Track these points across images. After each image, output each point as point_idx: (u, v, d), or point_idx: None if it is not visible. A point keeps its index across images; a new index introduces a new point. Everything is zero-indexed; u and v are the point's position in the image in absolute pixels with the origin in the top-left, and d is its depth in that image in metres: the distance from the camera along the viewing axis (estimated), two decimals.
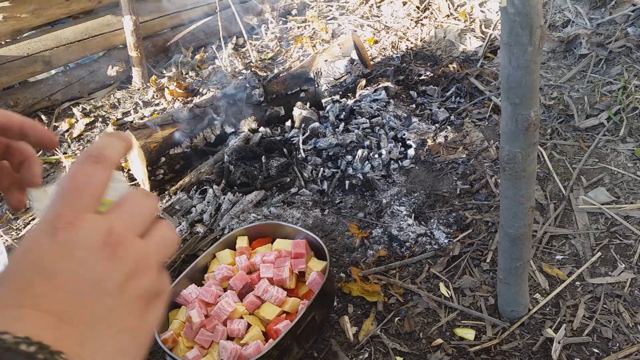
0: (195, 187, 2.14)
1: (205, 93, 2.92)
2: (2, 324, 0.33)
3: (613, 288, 1.52)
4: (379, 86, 2.58)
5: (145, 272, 0.40)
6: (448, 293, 1.59)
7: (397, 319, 1.53)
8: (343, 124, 2.28)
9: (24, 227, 2.16)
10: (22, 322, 0.33)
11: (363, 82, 2.59)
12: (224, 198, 2.03)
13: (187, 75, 3.14)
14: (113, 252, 0.38)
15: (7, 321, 0.33)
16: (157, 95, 2.98)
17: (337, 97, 2.50)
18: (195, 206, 2.05)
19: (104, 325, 0.37)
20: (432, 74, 2.70)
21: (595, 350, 1.38)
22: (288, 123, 2.41)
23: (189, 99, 2.90)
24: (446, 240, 1.77)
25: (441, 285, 1.62)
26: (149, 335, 0.41)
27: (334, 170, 2.10)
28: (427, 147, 2.20)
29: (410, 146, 2.21)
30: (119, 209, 0.41)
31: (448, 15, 3.18)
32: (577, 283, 1.56)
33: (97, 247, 0.38)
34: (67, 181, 0.40)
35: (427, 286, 1.63)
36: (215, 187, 2.09)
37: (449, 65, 2.73)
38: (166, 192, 2.18)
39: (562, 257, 1.65)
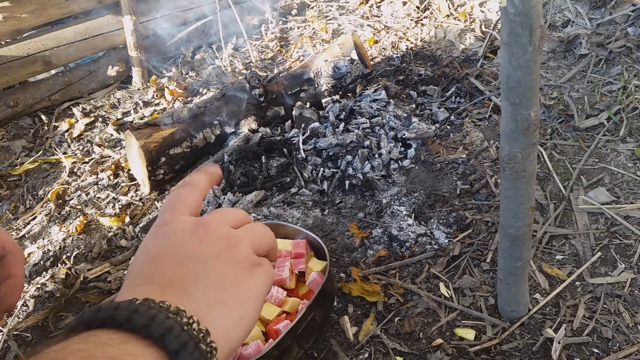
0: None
1: (205, 93, 2.92)
2: (127, 296, 0.40)
3: (613, 288, 1.52)
4: (379, 86, 2.58)
5: (236, 246, 0.48)
6: (448, 293, 1.59)
7: (397, 319, 1.53)
8: (343, 124, 2.28)
9: (24, 227, 2.16)
10: (138, 295, 0.41)
11: (363, 82, 2.59)
12: (224, 198, 2.03)
13: (187, 75, 3.14)
14: (205, 232, 0.47)
15: (126, 297, 0.41)
16: (157, 95, 2.98)
17: (337, 97, 2.50)
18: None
19: (206, 283, 0.44)
20: (432, 74, 2.70)
21: (595, 350, 1.38)
22: (288, 123, 2.41)
23: (189, 99, 2.90)
24: (446, 240, 1.77)
25: (441, 285, 1.62)
26: (256, 295, 0.47)
27: (334, 170, 2.10)
28: (427, 147, 2.20)
29: (410, 146, 2.21)
30: (213, 211, 0.52)
31: (448, 15, 3.18)
32: (577, 283, 1.56)
33: (190, 230, 0.47)
34: (165, 202, 0.52)
35: (427, 286, 1.63)
36: (215, 187, 2.09)
37: (449, 65, 2.73)
38: (166, 192, 2.18)
39: (562, 257, 1.65)
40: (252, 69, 3.00)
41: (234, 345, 0.44)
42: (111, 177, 2.35)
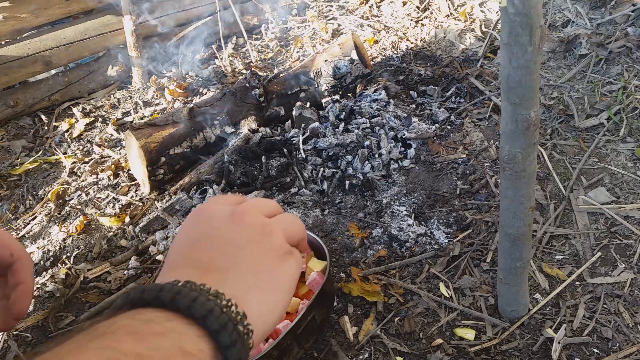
0: (195, 187, 2.14)
1: (205, 93, 2.92)
2: (167, 280, 0.43)
3: (613, 288, 1.52)
4: (379, 86, 2.58)
5: (270, 234, 0.50)
6: (448, 293, 1.59)
7: (397, 319, 1.53)
8: (343, 124, 2.28)
9: (24, 227, 2.16)
10: (179, 277, 0.43)
11: (363, 82, 2.59)
12: None
13: (187, 75, 3.14)
14: (241, 219, 0.50)
15: (167, 279, 0.43)
16: (157, 95, 2.98)
17: (337, 97, 2.50)
18: (195, 206, 2.05)
19: (242, 268, 0.47)
20: (432, 74, 2.70)
21: (595, 350, 1.38)
22: (288, 123, 2.41)
23: (189, 99, 2.90)
24: (446, 240, 1.77)
25: (441, 285, 1.61)
26: (288, 281, 0.50)
27: (334, 170, 2.10)
28: (427, 147, 2.20)
29: (410, 146, 2.21)
30: (245, 202, 0.54)
31: (448, 15, 3.18)
32: (577, 283, 1.56)
33: (227, 217, 0.50)
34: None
35: (427, 286, 1.63)
36: (215, 187, 2.09)
37: (449, 65, 2.73)
38: (166, 192, 2.18)
39: (562, 257, 1.65)
40: (252, 69, 3.00)
41: (268, 329, 0.47)
42: (111, 177, 2.35)
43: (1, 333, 1.68)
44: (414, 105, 2.50)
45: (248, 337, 0.42)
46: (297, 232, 0.54)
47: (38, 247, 2.03)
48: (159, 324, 0.39)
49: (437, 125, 2.33)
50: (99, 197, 2.26)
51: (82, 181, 2.38)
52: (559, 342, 1.38)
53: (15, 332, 1.68)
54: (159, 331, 0.38)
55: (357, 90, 2.58)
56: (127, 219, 2.10)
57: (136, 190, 2.27)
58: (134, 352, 0.35)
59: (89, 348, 0.35)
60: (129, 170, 2.36)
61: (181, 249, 0.50)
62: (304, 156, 2.17)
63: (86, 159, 2.54)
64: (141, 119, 2.77)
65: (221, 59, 3.22)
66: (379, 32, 3.24)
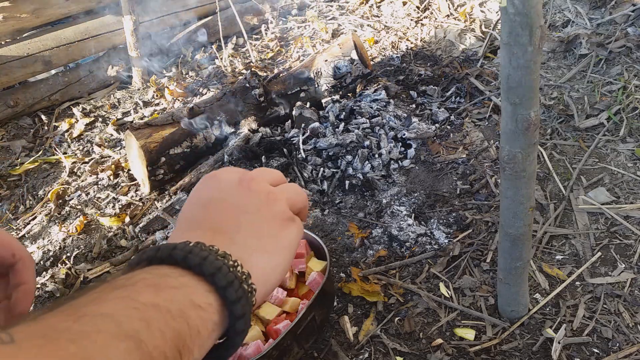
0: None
1: (205, 93, 2.92)
2: (179, 240, 0.46)
3: (613, 288, 1.52)
4: (379, 86, 2.58)
5: (274, 201, 0.53)
6: (448, 293, 1.59)
7: (397, 319, 1.53)
8: (343, 124, 2.28)
9: (24, 227, 2.16)
10: (190, 238, 0.47)
11: (363, 82, 2.59)
12: None
13: (187, 75, 3.14)
14: (248, 186, 0.53)
15: (179, 239, 0.47)
16: (157, 95, 2.98)
17: (337, 97, 2.50)
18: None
19: (248, 232, 0.50)
20: (432, 74, 2.70)
21: (595, 350, 1.38)
22: (288, 123, 2.41)
23: (189, 99, 2.90)
24: (446, 240, 1.77)
25: (441, 285, 1.62)
26: (289, 245, 0.53)
27: (334, 170, 2.10)
28: (427, 147, 2.20)
29: (410, 146, 2.21)
30: (252, 171, 0.57)
31: (448, 15, 3.18)
32: (577, 283, 1.56)
33: (235, 184, 0.53)
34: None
35: (427, 286, 1.63)
36: None
37: (449, 65, 2.73)
38: (166, 192, 2.18)
39: (562, 257, 1.65)
40: (252, 69, 3.00)
41: (269, 289, 0.50)
42: (111, 177, 2.35)
43: None
44: (414, 105, 2.50)
45: (252, 294, 0.46)
46: (299, 200, 0.57)
47: (38, 247, 2.03)
48: (173, 278, 0.43)
49: (437, 125, 2.33)
50: (99, 197, 2.26)
51: (82, 181, 2.38)
52: (559, 342, 1.38)
53: None
54: (173, 285, 0.42)
55: (357, 90, 2.58)
56: (127, 219, 2.10)
57: (136, 190, 2.27)
58: (151, 302, 0.39)
59: (110, 298, 0.39)
60: (129, 170, 2.36)
61: (192, 211, 0.53)
62: (304, 156, 2.17)
63: (86, 159, 2.54)
64: (141, 119, 2.77)
65: (221, 59, 3.22)
66: (379, 32, 3.24)
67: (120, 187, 2.30)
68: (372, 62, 2.83)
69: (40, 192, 2.36)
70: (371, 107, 2.39)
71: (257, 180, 0.54)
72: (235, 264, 0.46)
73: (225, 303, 0.44)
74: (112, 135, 2.70)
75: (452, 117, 2.37)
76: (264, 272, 0.49)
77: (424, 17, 3.24)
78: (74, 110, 2.91)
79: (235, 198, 0.52)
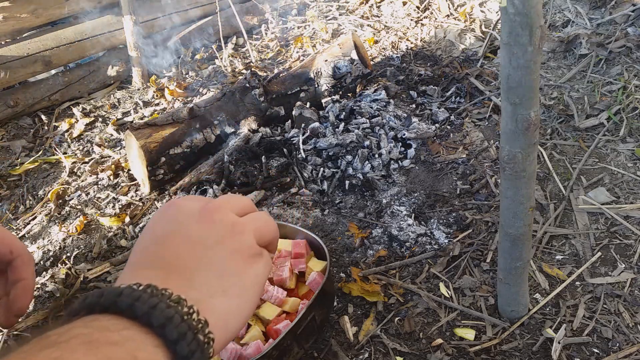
0: (195, 187, 2.14)
1: (205, 93, 2.92)
2: (129, 280, 0.42)
3: (613, 288, 1.52)
4: (379, 86, 2.58)
5: (240, 234, 0.48)
6: (448, 293, 1.59)
7: (397, 319, 1.53)
8: (343, 124, 2.28)
9: (24, 227, 2.16)
10: (141, 279, 0.42)
11: (363, 82, 2.59)
12: None
13: (187, 75, 3.14)
14: (210, 217, 0.47)
15: (130, 279, 0.42)
16: (157, 95, 2.98)
17: (337, 97, 2.50)
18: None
19: (207, 271, 0.45)
20: (432, 74, 2.70)
21: (595, 350, 1.38)
22: (288, 123, 2.41)
23: (189, 99, 2.90)
24: (446, 240, 1.77)
25: (441, 285, 1.62)
26: (255, 285, 0.48)
27: (334, 170, 2.10)
28: (427, 147, 2.20)
29: (410, 146, 2.21)
30: (217, 198, 0.52)
31: (448, 15, 3.18)
32: (577, 283, 1.56)
33: (196, 214, 0.48)
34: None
35: (427, 286, 1.63)
36: (215, 187, 2.09)
37: (449, 65, 2.73)
38: (166, 192, 2.18)
39: (562, 257, 1.65)
40: (252, 69, 3.00)
41: (230, 336, 0.45)
42: (111, 177, 2.35)
43: (1, 333, 1.68)
44: (414, 105, 2.50)
45: (209, 345, 0.40)
46: (268, 232, 0.53)
47: (38, 247, 2.03)
48: (115, 332, 0.37)
49: (437, 125, 2.33)
50: (99, 197, 2.26)
51: (82, 181, 2.38)
52: (559, 342, 1.38)
53: (15, 332, 1.68)
54: (115, 340, 0.36)
55: (357, 90, 2.58)
56: (127, 219, 2.10)
57: (136, 190, 2.27)
58: None
59: (37, 358, 0.33)
60: (129, 170, 2.36)
61: (146, 246, 0.47)
62: (304, 156, 2.17)
63: (86, 159, 2.54)
64: (141, 119, 2.77)
65: (221, 59, 3.22)
66: (379, 32, 3.24)
67: (120, 187, 2.30)
68: (372, 62, 2.83)
69: (40, 192, 2.36)
70: (371, 107, 2.39)
71: (220, 210, 0.49)
72: (191, 310, 0.40)
73: (176, 358, 0.38)
74: (112, 135, 2.70)
75: (452, 117, 2.37)
76: (224, 316, 0.44)
77: (424, 17, 3.24)
78: (74, 110, 2.91)
79: (194, 230, 0.47)
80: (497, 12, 3.01)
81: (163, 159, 2.14)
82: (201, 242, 0.46)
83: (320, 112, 2.41)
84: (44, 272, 1.90)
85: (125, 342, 0.36)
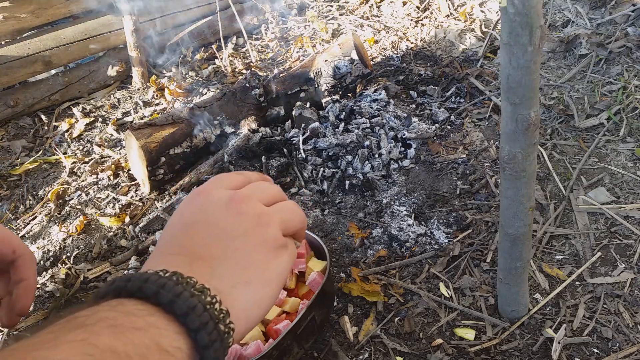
0: (195, 187, 2.14)
1: (205, 93, 2.92)
2: (156, 265, 0.43)
3: (613, 288, 1.52)
4: (379, 86, 2.58)
5: (266, 225, 0.49)
6: (448, 293, 1.59)
7: (397, 319, 1.53)
8: (343, 124, 2.28)
9: (24, 227, 2.16)
10: (168, 265, 0.43)
11: (363, 82, 2.59)
12: None
13: (187, 75, 3.14)
14: (237, 208, 0.48)
15: (157, 264, 0.44)
16: (157, 95, 2.98)
17: (337, 97, 2.50)
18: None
19: (232, 261, 0.46)
20: (432, 74, 2.70)
21: (595, 350, 1.38)
22: (288, 123, 2.41)
23: (189, 99, 2.90)
24: (446, 240, 1.77)
25: (441, 285, 1.62)
26: (278, 277, 0.48)
27: (334, 170, 2.10)
28: (427, 147, 2.20)
29: (410, 146, 2.21)
30: (246, 186, 0.53)
31: (448, 15, 3.18)
32: (577, 283, 1.56)
33: (224, 204, 0.48)
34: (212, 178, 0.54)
35: (427, 286, 1.63)
36: None
37: (449, 65, 2.73)
38: (166, 192, 2.18)
39: (562, 257, 1.65)
40: (252, 69, 3.00)
41: (251, 326, 0.46)
42: (111, 177, 2.35)
43: (2, 332, 1.68)
44: (414, 105, 2.50)
45: (229, 335, 0.41)
46: (295, 223, 0.53)
47: (38, 247, 2.03)
48: (140, 317, 0.38)
49: (437, 125, 2.33)
50: (99, 197, 2.26)
51: (82, 181, 2.38)
52: (559, 342, 1.38)
53: (15, 332, 1.68)
54: (139, 325, 0.37)
55: (357, 90, 2.58)
56: (127, 219, 2.10)
57: (136, 190, 2.27)
58: (110, 347, 0.35)
59: (65, 340, 0.34)
60: (129, 170, 2.36)
61: (174, 232, 0.49)
62: (304, 156, 2.17)
63: (86, 159, 2.54)
64: (141, 119, 2.77)
65: (221, 59, 3.22)
66: (379, 32, 3.24)
67: (120, 187, 2.30)
68: (372, 62, 2.83)
69: (40, 192, 2.36)
70: (371, 107, 2.39)
71: (248, 201, 0.49)
72: (213, 300, 0.41)
73: (197, 347, 0.39)
74: (112, 135, 2.70)
75: (452, 117, 2.37)
76: (246, 307, 0.45)
77: (424, 17, 3.24)
78: (74, 110, 2.91)
79: (222, 221, 0.47)
80: (497, 12, 3.01)
81: (163, 159, 2.14)
82: (227, 232, 0.47)
83: (320, 112, 2.41)
84: (44, 272, 1.90)
85: (149, 328, 0.38)
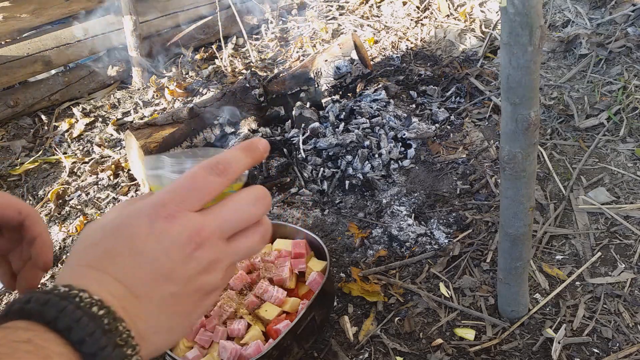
0: None
1: (205, 93, 2.92)
2: (84, 283, 0.39)
3: (613, 288, 1.52)
4: (379, 86, 2.58)
5: (213, 272, 0.44)
6: (448, 293, 1.59)
7: (397, 319, 1.53)
8: (343, 124, 2.28)
9: None
10: (101, 286, 0.39)
11: (363, 82, 2.59)
12: None
13: (187, 75, 3.14)
14: (193, 251, 0.42)
15: (89, 281, 0.39)
16: (157, 95, 2.98)
17: (337, 97, 2.50)
18: None
19: (164, 307, 0.41)
20: (432, 74, 2.70)
21: (595, 350, 1.38)
22: (288, 123, 2.41)
23: (189, 99, 2.90)
24: (446, 240, 1.77)
25: (441, 285, 1.62)
26: (198, 320, 0.46)
27: (334, 170, 2.10)
28: (427, 147, 2.20)
29: (410, 146, 2.21)
30: (220, 210, 0.45)
31: (448, 15, 3.18)
32: (577, 283, 1.56)
33: (183, 242, 0.42)
34: (186, 179, 0.44)
35: (427, 286, 1.63)
36: None
37: (449, 65, 2.73)
38: None
39: (562, 257, 1.65)
40: (252, 69, 3.00)
41: (155, 350, 0.43)
42: (111, 177, 2.35)
43: None
44: (414, 105, 2.50)
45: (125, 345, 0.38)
46: (253, 254, 0.48)
47: None
48: (31, 342, 0.35)
49: (437, 125, 2.33)
50: (99, 197, 2.26)
51: (82, 181, 2.38)
52: (559, 342, 1.38)
53: None
54: (27, 349, 0.35)
55: (357, 90, 2.58)
56: None
57: (136, 190, 2.27)
58: None
59: None
60: (129, 170, 2.36)
61: (121, 248, 0.42)
62: (304, 156, 2.17)
63: (86, 159, 2.54)
64: (141, 119, 2.77)
65: (221, 59, 3.22)
66: (379, 32, 3.24)
67: (120, 187, 2.30)
68: (372, 62, 2.83)
69: (40, 192, 2.36)
70: (371, 107, 2.39)
71: (208, 244, 0.43)
72: (129, 350, 0.37)
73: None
74: (112, 135, 2.70)
75: (452, 117, 2.37)
76: (157, 349, 0.42)
77: (424, 17, 3.24)
78: (74, 110, 2.91)
79: (171, 262, 0.41)
80: (497, 12, 3.01)
81: None
82: (172, 275, 0.42)
83: (320, 112, 2.41)
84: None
85: (39, 349, 0.35)
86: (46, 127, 2.83)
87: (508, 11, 0.98)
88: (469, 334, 1.46)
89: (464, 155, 2.11)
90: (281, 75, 2.57)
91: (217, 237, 0.44)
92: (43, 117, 2.88)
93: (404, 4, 3.39)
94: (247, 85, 2.37)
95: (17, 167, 2.54)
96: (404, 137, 2.23)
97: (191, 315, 0.44)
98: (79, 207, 2.22)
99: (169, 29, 3.29)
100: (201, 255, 0.43)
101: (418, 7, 3.30)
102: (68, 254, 0.41)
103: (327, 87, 2.50)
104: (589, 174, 1.93)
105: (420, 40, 3.06)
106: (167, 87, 2.96)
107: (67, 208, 2.22)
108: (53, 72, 3.02)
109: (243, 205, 0.46)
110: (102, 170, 2.41)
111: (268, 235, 0.48)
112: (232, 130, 2.31)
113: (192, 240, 0.42)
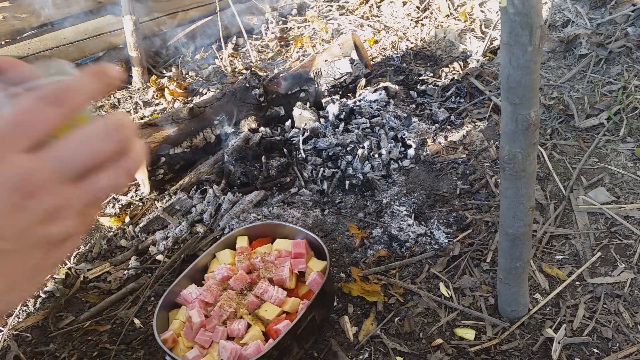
0: (195, 187, 2.14)
1: (205, 93, 2.92)
2: None
3: (613, 288, 1.52)
4: (379, 86, 2.58)
5: (58, 221, 0.36)
6: (448, 293, 1.59)
7: (397, 319, 1.53)
8: (343, 124, 2.28)
9: None
10: None
11: (363, 82, 2.59)
12: (224, 198, 2.03)
13: (187, 75, 3.14)
14: (22, 200, 0.35)
15: None
16: (157, 95, 2.98)
17: (337, 97, 2.50)
18: (195, 206, 2.06)
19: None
20: (432, 74, 2.70)
21: (595, 350, 1.38)
22: (288, 123, 2.41)
23: (189, 99, 2.90)
24: (446, 240, 1.77)
25: (441, 285, 1.61)
26: (48, 274, 0.39)
27: (334, 170, 2.10)
28: (427, 147, 2.20)
29: (410, 146, 2.21)
30: (58, 149, 0.36)
31: (448, 15, 3.18)
32: (577, 283, 1.56)
33: (7, 192, 0.34)
34: (11, 114, 0.35)
35: (427, 286, 1.63)
36: (215, 187, 2.09)
37: (449, 65, 2.73)
38: (166, 192, 2.18)
39: (562, 257, 1.65)
40: (252, 69, 3.00)
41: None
42: None
43: (1, 332, 1.68)
44: (414, 105, 2.50)
45: None
46: (107, 196, 0.40)
47: None
48: None
49: (437, 125, 2.33)
50: None
51: None
52: (559, 342, 1.38)
53: (15, 332, 1.68)
54: None
55: (357, 90, 2.58)
56: (127, 219, 2.10)
57: (136, 190, 2.27)
58: None
59: None
60: None
61: None
62: (304, 156, 2.17)
63: None
64: (141, 119, 2.77)
65: (221, 59, 3.22)
66: (379, 32, 3.24)
67: None
68: (372, 62, 2.83)
69: None
70: (371, 107, 2.39)
71: (42, 189, 0.35)
72: None
73: None
74: None
75: (452, 117, 2.37)
76: None
77: (424, 17, 3.24)
78: None
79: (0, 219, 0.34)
80: (497, 12, 3.01)
81: (163, 159, 2.14)
82: (2, 235, 0.35)
83: (320, 112, 2.41)
84: None
85: None
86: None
87: (508, 11, 0.98)
88: (469, 334, 1.46)
89: (464, 155, 2.11)
90: (281, 75, 2.57)
91: (55, 180, 0.36)
92: None
93: (404, 4, 3.39)
94: (247, 85, 2.37)
95: None
96: (404, 137, 2.23)
97: (39, 271, 0.37)
98: None
99: (169, 28, 3.29)
100: (35, 204, 0.35)
101: (418, 7, 3.30)
102: None
103: (327, 87, 2.50)
104: (589, 174, 1.93)
105: (420, 40, 3.06)
106: (167, 87, 2.96)
107: None
108: None
109: (90, 139, 0.37)
110: None
111: (135, 167, 0.40)
112: (232, 130, 2.31)
113: (19, 188, 0.34)
